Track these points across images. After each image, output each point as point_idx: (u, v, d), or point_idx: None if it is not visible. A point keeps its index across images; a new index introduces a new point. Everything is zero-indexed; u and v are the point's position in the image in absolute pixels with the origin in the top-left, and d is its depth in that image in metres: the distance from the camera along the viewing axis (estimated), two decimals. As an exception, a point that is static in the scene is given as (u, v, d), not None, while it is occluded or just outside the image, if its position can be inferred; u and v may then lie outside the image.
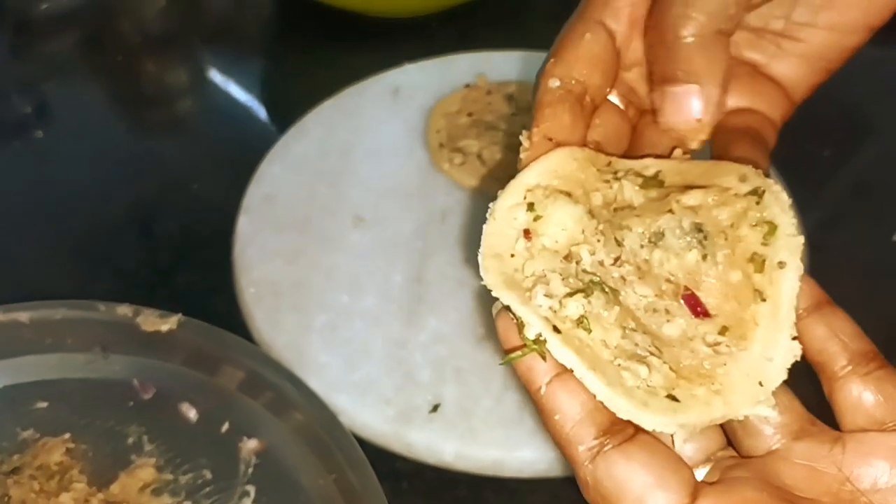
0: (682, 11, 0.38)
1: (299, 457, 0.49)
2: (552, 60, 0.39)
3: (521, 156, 0.37)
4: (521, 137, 0.37)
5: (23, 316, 0.53)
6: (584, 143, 0.38)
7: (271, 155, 0.65)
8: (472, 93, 0.68)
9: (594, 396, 0.32)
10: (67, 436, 0.51)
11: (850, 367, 0.36)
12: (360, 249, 0.60)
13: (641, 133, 0.42)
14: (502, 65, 0.71)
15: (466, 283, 0.58)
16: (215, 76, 0.79)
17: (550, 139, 0.38)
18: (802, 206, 0.60)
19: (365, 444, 0.49)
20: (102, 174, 0.69)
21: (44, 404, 0.52)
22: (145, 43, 0.82)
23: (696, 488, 0.33)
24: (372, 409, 0.52)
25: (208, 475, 0.50)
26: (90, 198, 0.67)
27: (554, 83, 0.39)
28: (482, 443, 0.51)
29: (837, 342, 0.36)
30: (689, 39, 0.38)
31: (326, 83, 0.71)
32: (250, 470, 0.50)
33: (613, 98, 0.41)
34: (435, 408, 0.52)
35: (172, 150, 0.73)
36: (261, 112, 0.76)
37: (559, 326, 0.33)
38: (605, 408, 0.32)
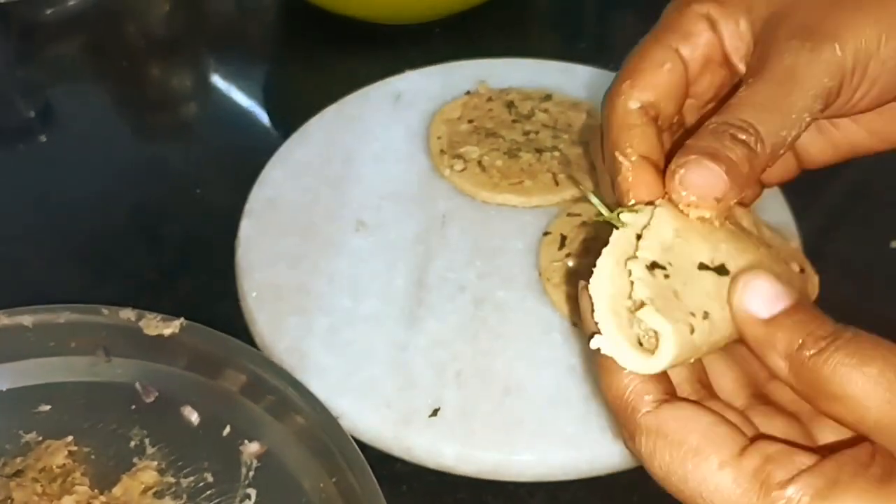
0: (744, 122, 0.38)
1: (300, 460, 0.49)
2: (629, 82, 0.41)
3: (623, 175, 0.39)
4: (617, 156, 0.39)
5: (26, 319, 0.53)
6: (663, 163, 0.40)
7: (274, 160, 0.66)
8: (473, 100, 0.68)
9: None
10: (70, 439, 0.51)
11: None
12: (362, 254, 0.60)
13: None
14: (503, 72, 0.71)
15: (466, 287, 0.58)
16: (219, 82, 0.79)
17: (646, 158, 0.39)
18: (801, 213, 0.61)
19: (365, 448, 0.49)
20: (106, 178, 0.70)
21: (46, 407, 0.52)
22: (150, 48, 0.82)
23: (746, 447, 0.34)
24: (373, 413, 0.53)
25: (210, 478, 0.50)
26: (94, 202, 0.68)
27: (634, 105, 0.41)
28: (482, 446, 0.51)
29: None
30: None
31: (329, 89, 0.71)
32: (251, 473, 0.50)
33: None
34: (435, 411, 0.52)
35: (176, 154, 0.73)
36: (264, 117, 0.76)
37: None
38: (668, 378, 0.36)
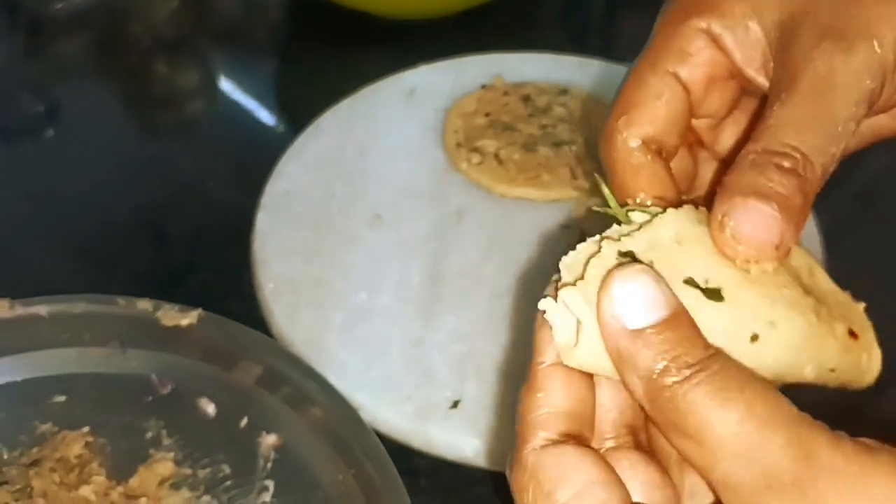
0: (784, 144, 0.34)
1: (318, 452, 0.49)
2: (625, 118, 0.38)
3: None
4: (638, 202, 0.37)
5: (42, 310, 0.53)
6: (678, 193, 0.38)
7: (289, 153, 0.66)
8: (488, 93, 0.68)
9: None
10: (86, 430, 0.50)
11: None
12: (378, 248, 0.60)
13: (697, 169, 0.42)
14: (518, 66, 0.71)
15: (484, 281, 0.58)
16: (227, 78, 0.79)
17: (660, 199, 0.37)
18: (813, 213, 0.60)
19: (384, 441, 0.49)
20: (114, 175, 0.69)
21: (62, 398, 0.51)
22: (157, 45, 0.82)
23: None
24: (391, 406, 0.52)
25: (227, 470, 0.49)
26: (103, 198, 0.67)
27: (635, 143, 0.38)
28: (502, 439, 0.51)
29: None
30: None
31: (340, 85, 0.71)
32: (269, 465, 0.49)
33: None
34: (455, 404, 0.52)
35: (185, 151, 0.73)
36: (274, 113, 0.76)
37: None
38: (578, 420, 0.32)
